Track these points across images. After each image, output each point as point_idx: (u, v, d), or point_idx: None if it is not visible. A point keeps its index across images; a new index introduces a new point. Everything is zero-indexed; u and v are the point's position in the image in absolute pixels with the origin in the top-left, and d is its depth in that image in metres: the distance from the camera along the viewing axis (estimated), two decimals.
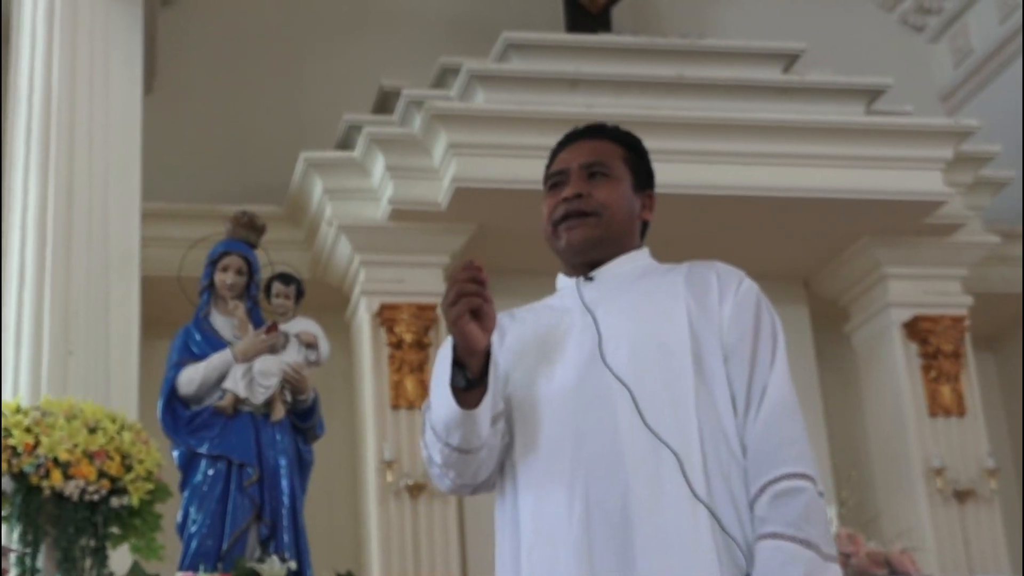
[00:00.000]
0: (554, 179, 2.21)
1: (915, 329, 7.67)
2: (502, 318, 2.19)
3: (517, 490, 2.09)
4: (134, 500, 4.60)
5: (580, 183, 2.16)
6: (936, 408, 7.57)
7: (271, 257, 5.31)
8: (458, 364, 2.03)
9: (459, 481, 2.13)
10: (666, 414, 2.01)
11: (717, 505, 1.97)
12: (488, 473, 2.12)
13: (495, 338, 2.10)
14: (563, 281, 2.23)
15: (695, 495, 1.96)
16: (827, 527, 1.99)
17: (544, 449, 2.06)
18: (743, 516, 1.98)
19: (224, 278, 5.06)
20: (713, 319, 2.08)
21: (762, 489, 1.97)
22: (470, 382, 2.03)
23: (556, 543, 2.00)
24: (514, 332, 2.18)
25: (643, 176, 2.25)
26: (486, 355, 2.03)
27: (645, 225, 2.26)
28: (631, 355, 2.05)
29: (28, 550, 4.45)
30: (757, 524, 1.96)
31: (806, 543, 1.93)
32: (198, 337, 5.01)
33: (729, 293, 2.10)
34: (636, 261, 2.20)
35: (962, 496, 7.37)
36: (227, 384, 4.90)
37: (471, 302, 1.97)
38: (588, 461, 2.01)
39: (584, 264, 2.19)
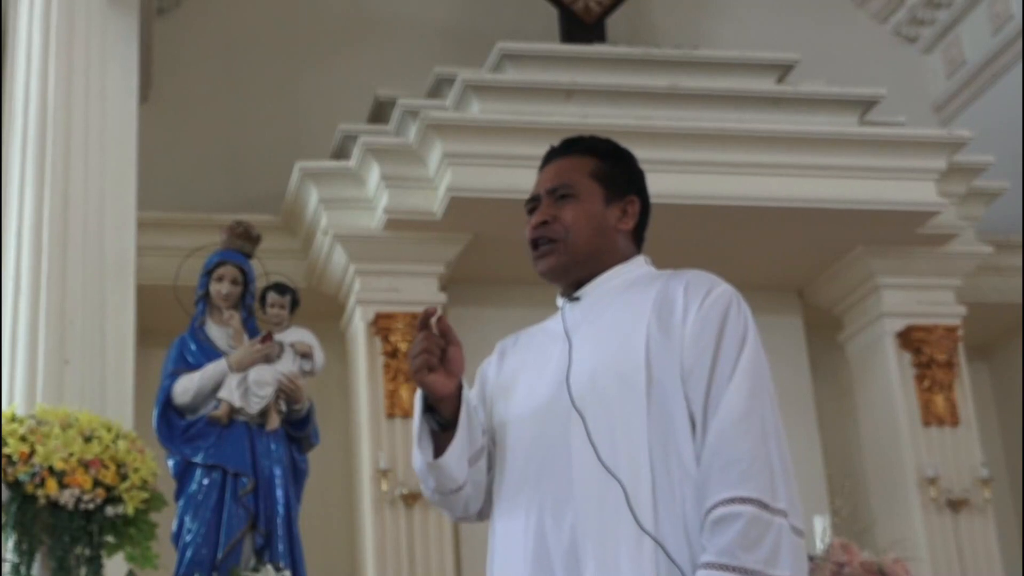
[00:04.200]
0: (529, 205, 2.26)
1: (909, 339, 7.69)
2: (506, 343, 2.29)
3: (494, 517, 2.16)
4: (129, 509, 4.59)
5: (547, 209, 2.20)
6: (930, 417, 7.58)
7: (266, 267, 5.32)
8: (432, 409, 2.12)
9: (454, 515, 2.24)
10: (618, 444, 2.02)
11: (665, 533, 1.97)
12: (479, 505, 2.19)
13: (493, 364, 2.24)
14: (559, 301, 2.25)
15: (639, 525, 1.97)
16: (776, 547, 1.93)
17: (512, 479, 2.12)
18: (694, 541, 1.97)
19: (219, 288, 5.07)
20: (675, 339, 2.06)
21: (705, 515, 1.96)
22: (444, 425, 2.11)
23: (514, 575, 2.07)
24: (513, 357, 2.24)
25: (619, 185, 2.23)
26: (459, 398, 2.12)
27: (636, 233, 2.25)
28: (590, 384, 2.07)
29: (23, 559, 4.45)
30: (701, 551, 1.96)
31: (741, 571, 1.91)
32: (193, 347, 5.01)
33: (692, 308, 2.08)
34: (623, 275, 2.20)
35: (956, 505, 7.38)
36: (222, 394, 4.91)
37: (425, 359, 2.07)
38: (544, 493, 2.06)
39: (569, 285, 2.22)
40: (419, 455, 2.14)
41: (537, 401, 2.12)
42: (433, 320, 2.09)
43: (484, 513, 2.21)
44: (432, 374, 2.08)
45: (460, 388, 2.12)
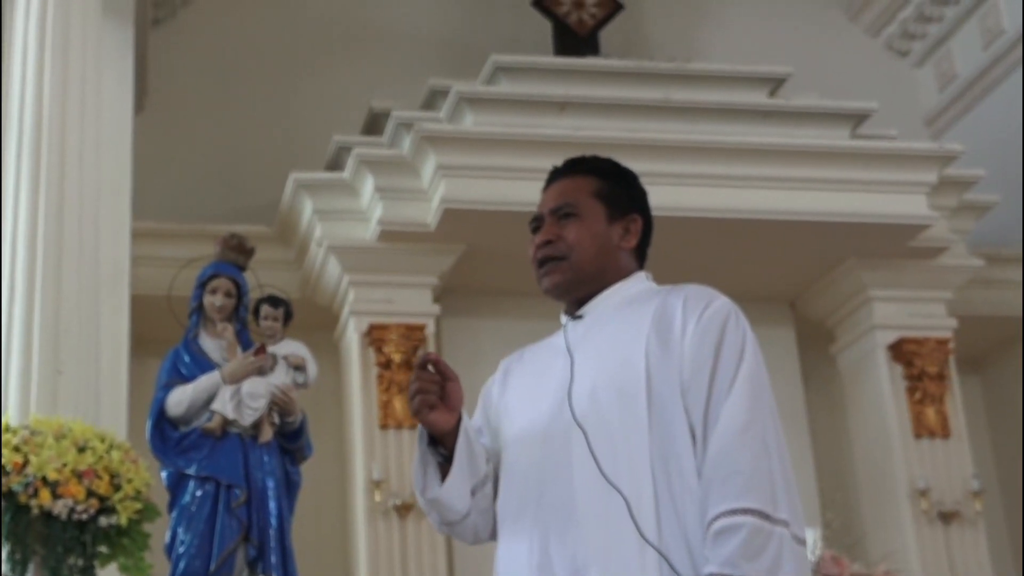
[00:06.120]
0: (533, 225, 2.29)
1: (900, 351, 7.72)
2: (510, 360, 2.32)
3: (497, 541, 2.18)
4: (122, 519, 4.58)
5: (551, 228, 2.24)
6: (921, 430, 7.61)
7: (260, 278, 5.33)
8: (436, 441, 2.16)
9: (467, 541, 2.27)
10: (620, 457, 2.05)
11: (668, 545, 2.00)
12: (490, 529, 2.22)
13: (496, 383, 2.28)
14: (563, 319, 2.28)
15: (643, 537, 1.99)
16: (778, 557, 1.96)
17: (515, 501, 2.15)
18: (696, 553, 2.00)
19: (213, 300, 5.08)
20: (674, 354, 2.09)
21: (707, 527, 1.99)
22: (449, 457, 2.15)
23: None
24: (518, 373, 2.28)
25: (621, 204, 2.27)
26: (459, 429, 2.15)
27: (639, 250, 2.28)
28: (591, 400, 2.10)
29: (16, 569, 4.45)
30: (704, 563, 1.98)
31: None
32: (187, 359, 5.02)
33: (691, 322, 2.11)
34: (625, 291, 2.23)
35: (947, 518, 7.40)
36: (215, 406, 4.91)
37: (423, 400, 2.11)
38: (547, 508, 2.08)
39: (573, 302, 2.25)
40: (419, 494, 2.19)
41: (539, 420, 2.15)
42: (430, 364, 2.13)
43: (495, 534, 2.24)
44: (433, 412, 2.12)
45: (460, 420, 2.15)
